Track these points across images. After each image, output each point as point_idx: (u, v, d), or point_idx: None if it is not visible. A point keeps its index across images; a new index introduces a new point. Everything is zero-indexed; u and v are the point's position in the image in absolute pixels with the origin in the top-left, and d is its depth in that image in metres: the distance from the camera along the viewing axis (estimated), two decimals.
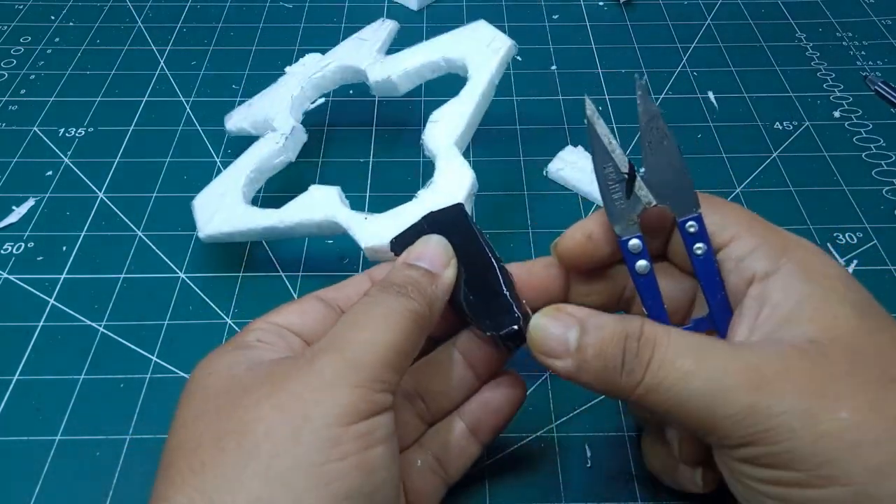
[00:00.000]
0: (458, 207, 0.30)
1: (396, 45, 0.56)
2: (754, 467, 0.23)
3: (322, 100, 0.47)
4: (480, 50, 0.41)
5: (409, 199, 0.36)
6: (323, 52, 0.46)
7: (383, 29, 0.47)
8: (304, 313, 0.28)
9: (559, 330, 0.25)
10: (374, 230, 0.35)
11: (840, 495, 0.21)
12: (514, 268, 0.30)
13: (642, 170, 0.27)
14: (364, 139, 0.48)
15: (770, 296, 0.25)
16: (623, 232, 0.27)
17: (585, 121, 0.27)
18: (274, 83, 0.46)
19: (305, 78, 0.44)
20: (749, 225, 0.26)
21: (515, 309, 0.28)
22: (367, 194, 0.45)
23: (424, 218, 0.30)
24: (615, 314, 0.26)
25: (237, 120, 0.45)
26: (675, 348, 0.23)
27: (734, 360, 0.23)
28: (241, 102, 0.51)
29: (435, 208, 0.31)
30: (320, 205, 0.37)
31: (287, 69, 0.46)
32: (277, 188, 0.43)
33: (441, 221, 0.30)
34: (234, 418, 0.22)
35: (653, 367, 0.23)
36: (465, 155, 0.38)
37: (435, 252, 0.28)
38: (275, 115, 0.42)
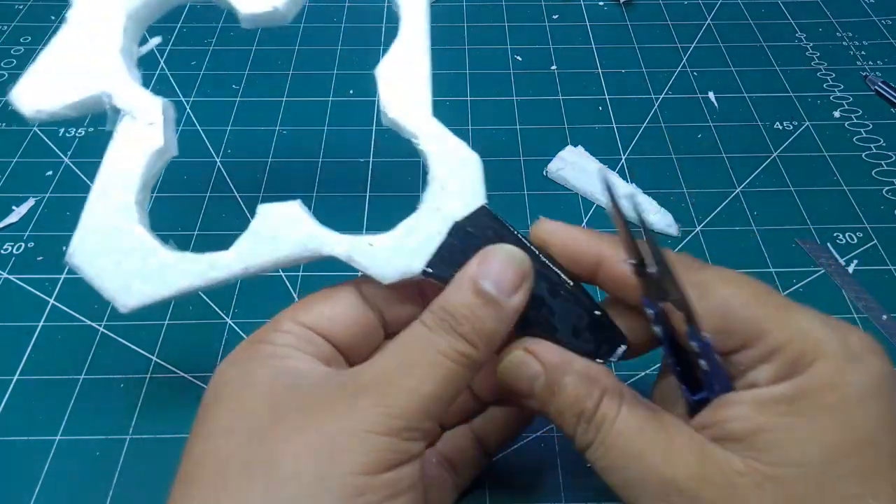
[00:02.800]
0: (483, 211, 0.26)
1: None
2: None
3: (157, 39, 0.33)
4: None
5: (411, 199, 0.35)
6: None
7: None
8: (335, 312, 0.26)
9: (527, 375, 0.25)
10: (386, 257, 0.26)
11: None
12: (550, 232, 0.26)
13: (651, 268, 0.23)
14: (364, 139, 0.48)
15: (761, 432, 0.22)
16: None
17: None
18: (63, 25, 0.30)
19: (120, 11, 0.31)
20: (763, 328, 0.22)
21: (614, 324, 0.26)
22: (367, 194, 0.45)
23: (452, 232, 0.26)
24: (588, 364, 0.25)
25: (38, 97, 0.29)
26: (620, 440, 0.23)
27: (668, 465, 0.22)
28: (241, 103, 0.51)
29: (450, 214, 0.26)
30: (287, 231, 0.27)
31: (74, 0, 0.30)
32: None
33: (471, 233, 0.26)
34: (265, 447, 0.22)
35: (596, 445, 0.23)
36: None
37: (502, 271, 0.24)
38: (105, 83, 0.29)
